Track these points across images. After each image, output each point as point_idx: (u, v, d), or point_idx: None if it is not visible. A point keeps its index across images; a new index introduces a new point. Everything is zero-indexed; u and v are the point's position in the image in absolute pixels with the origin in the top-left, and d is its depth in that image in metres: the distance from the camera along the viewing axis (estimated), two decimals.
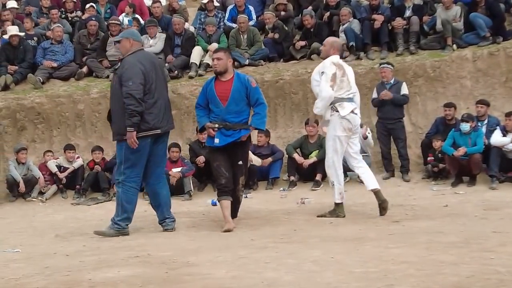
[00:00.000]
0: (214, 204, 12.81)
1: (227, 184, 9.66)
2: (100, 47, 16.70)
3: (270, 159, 14.55)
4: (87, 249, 8.58)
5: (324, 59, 10.44)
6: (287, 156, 14.69)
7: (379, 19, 16.13)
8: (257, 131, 14.21)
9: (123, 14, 18.10)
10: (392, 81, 14.65)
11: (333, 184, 10.59)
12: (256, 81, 10.46)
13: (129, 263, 7.34)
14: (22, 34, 16.59)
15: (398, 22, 16.21)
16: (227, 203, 9.61)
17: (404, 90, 14.82)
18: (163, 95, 9.73)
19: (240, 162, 10.12)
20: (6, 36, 15.96)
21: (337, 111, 10.03)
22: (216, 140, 9.59)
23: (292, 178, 14.39)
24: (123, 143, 9.40)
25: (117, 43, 11.65)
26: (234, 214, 10.00)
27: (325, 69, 10.05)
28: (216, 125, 9.63)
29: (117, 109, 9.54)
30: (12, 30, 15.98)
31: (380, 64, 15.24)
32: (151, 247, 8.27)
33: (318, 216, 10.78)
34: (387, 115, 14.90)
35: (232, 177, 9.83)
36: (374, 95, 14.93)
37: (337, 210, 10.53)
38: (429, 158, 14.49)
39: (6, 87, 16.10)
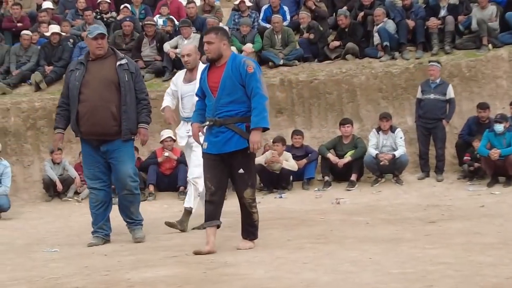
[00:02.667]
0: None
1: (215, 202, 8.03)
2: (135, 48, 16.81)
3: (304, 160, 14.38)
4: (124, 249, 8.68)
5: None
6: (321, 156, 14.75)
7: (410, 24, 16.07)
8: (292, 132, 14.54)
9: (158, 15, 18.20)
10: (438, 81, 14.58)
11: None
12: (256, 66, 8.09)
13: (167, 263, 7.34)
14: (63, 33, 16.72)
15: (433, 22, 16.20)
16: (210, 230, 7.90)
17: (451, 93, 14.80)
18: None
19: (241, 171, 8.14)
20: (47, 34, 16.12)
21: None
22: (204, 145, 8.05)
23: (326, 178, 14.29)
24: (131, 142, 9.42)
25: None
26: (246, 233, 8.12)
27: None
28: (207, 123, 8.11)
29: (131, 105, 9.33)
30: (54, 28, 16.17)
31: (429, 62, 15.19)
32: (187, 247, 8.19)
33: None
34: (428, 114, 14.86)
35: (223, 192, 8.30)
36: (419, 95, 14.78)
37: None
38: (465, 158, 14.39)
39: (37, 86, 16.18)
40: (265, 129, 8.00)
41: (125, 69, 9.46)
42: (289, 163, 14.03)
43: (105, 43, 9.45)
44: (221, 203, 7.96)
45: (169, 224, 10.30)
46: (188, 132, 9.92)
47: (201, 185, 9.89)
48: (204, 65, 9.52)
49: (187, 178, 10.68)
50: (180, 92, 10.42)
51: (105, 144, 9.34)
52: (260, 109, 7.71)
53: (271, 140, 14.31)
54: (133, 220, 9.68)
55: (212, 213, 7.87)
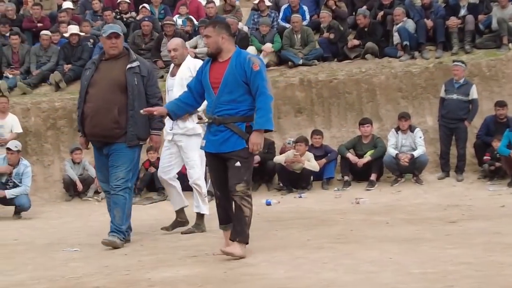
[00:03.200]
0: (268, 204, 12.84)
1: (222, 205, 7.87)
2: (154, 48, 16.90)
3: (324, 160, 14.35)
4: (144, 249, 8.69)
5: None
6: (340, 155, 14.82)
7: (429, 24, 16.10)
8: (312, 131, 14.53)
9: (177, 14, 18.34)
10: (462, 81, 14.51)
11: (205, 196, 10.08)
12: (261, 63, 7.70)
13: (187, 262, 7.35)
14: (83, 33, 16.90)
15: (453, 21, 16.14)
16: (226, 233, 7.79)
17: (474, 94, 14.72)
18: None
19: (238, 164, 7.75)
20: (66, 35, 16.30)
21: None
22: (202, 143, 7.82)
23: (346, 178, 14.30)
24: (136, 148, 9.19)
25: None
26: (233, 233, 7.55)
27: None
28: (206, 120, 7.91)
29: (138, 110, 8.81)
30: (73, 29, 16.29)
31: (453, 62, 15.16)
32: (207, 247, 8.18)
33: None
34: (450, 115, 14.83)
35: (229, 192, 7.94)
36: (442, 93, 14.76)
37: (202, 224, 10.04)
38: (485, 158, 14.25)
39: (57, 86, 16.36)
40: (267, 131, 7.78)
41: (135, 72, 9.24)
42: (311, 163, 14.02)
43: (119, 42, 9.22)
44: (230, 205, 7.65)
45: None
46: (171, 130, 9.83)
47: (203, 186, 9.99)
48: (192, 59, 10.01)
49: (189, 183, 10.31)
50: (166, 86, 10.34)
51: (107, 146, 9.26)
52: (265, 110, 7.42)
53: (291, 140, 14.21)
54: (112, 224, 9.26)
55: (223, 217, 7.76)
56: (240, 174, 7.45)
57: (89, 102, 9.09)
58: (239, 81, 7.29)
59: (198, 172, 9.84)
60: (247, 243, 7.36)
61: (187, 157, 9.99)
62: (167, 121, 9.59)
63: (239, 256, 7.26)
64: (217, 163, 7.59)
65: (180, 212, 9.73)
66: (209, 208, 9.49)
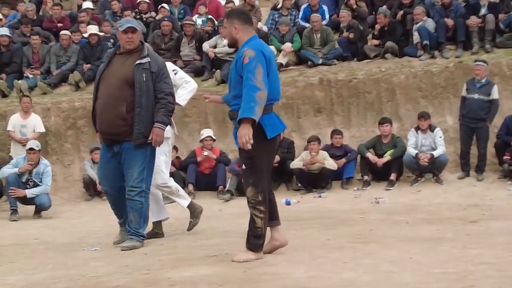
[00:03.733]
0: (288, 203, 12.82)
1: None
2: (174, 48, 17.02)
3: (343, 160, 14.38)
4: (164, 248, 8.59)
5: None
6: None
7: (449, 23, 15.99)
8: (332, 131, 14.52)
9: (196, 14, 18.43)
10: (483, 81, 14.41)
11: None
12: (255, 56, 7.16)
13: (207, 262, 7.29)
14: (102, 33, 17.06)
15: (473, 20, 16.06)
16: (273, 229, 7.57)
17: (495, 94, 14.63)
18: None
19: (243, 167, 7.61)
20: (85, 35, 16.47)
21: None
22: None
23: (365, 177, 14.35)
24: (148, 147, 8.80)
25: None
26: (247, 241, 7.37)
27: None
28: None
29: (148, 107, 8.78)
30: (92, 29, 16.47)
31: (475, 61, 15.09)
32: (226, 246, 8.16)
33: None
34: (471, 114, 14.68)
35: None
36: (464, 92, 14.62)
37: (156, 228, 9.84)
38: (505, 157, 14.12)
39: (77, 86, 16.44)
40: (248, 121, 6.99)
41: (145, 68, 8.78)
42: (329, 162, 13.94)
43: (136, 37, 8.86)
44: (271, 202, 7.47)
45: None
46: None
47: (172, 185, 9.97)
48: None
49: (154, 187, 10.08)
50: None
51: (118, 144, 8.92)
52: (246, 100, 6.97)
53: (306, 140, 14.28)
54: (129, 228, 9.11)
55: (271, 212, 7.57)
56: (246, 177, 7.28)
57: (99, 98, 8.96)
58: (237, 76, 7.09)
59: (163, 177, 9.69)
60: (258, 252, 7.11)
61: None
62: None
63: (245, 259, 7.04)
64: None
65: (157, 224, 9.50)
66: (187, 199, 9.56)
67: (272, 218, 7.48)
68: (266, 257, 7.41)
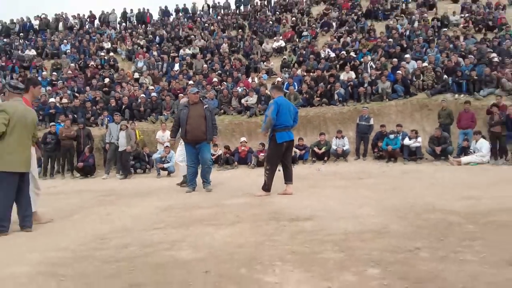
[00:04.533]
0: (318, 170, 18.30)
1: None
2: (228, 101, 26.94)
3: (304, 151, 22.56)
4: (219, 190, 13.49)
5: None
6: None
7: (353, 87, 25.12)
8: (298, 138, 22.17)
9: (239, 88, 27.80)
10: (366, 116, 20.84)
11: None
12: (272, 102, 12.10)
13: (243, 195, 12.33)
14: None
15: (360, 89, 24.95)
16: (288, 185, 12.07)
17: (371, 121, 21.18)
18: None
19: (266, 154, 12.97)
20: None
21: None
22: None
23: (313, 159, 22.28)
24: (210, 144, 13.71)
25: None
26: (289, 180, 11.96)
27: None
28: None
29: (209, 128, 13.49)
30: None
31: (363, 107, 22.87)
32: (251, 189, 12.91)
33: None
34: (361, 130, 21.72)
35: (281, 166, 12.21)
36: (357, 121, 21.69)
37: None
38: (375, 150, 20.22)
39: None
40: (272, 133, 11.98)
41: (208, 110, 13.08)
42: (296, 151, 21.05)
43: (198, 96, 13.13)
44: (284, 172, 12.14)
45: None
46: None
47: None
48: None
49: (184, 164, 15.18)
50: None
51: (198, 144, 13.15)
52: (264, 121, 11.74)
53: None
54: (206, 180, 13.47)
55: (286, 176, 12.23)
56: (266, 158, 12.34)
57: (189, 124, 12.99)
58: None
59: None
60: (266, 192, 11.87)
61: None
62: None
63: (259, 195, 11.68)
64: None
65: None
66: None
67: (287, 179, 12.01)
68: (274, 195, 11.76)
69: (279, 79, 27.79)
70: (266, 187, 11.79)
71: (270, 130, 11.72)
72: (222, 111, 27.04)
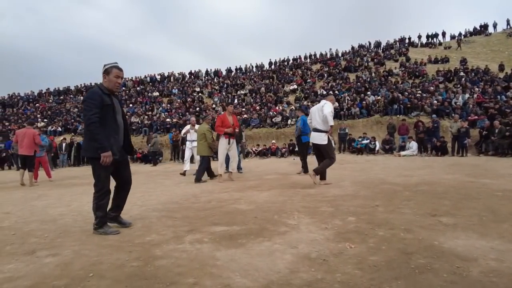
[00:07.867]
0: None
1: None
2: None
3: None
4: (235, 182, 15.17)
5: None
6: None
7: None
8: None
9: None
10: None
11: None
12: (299, 119, 14.34)
13: (272, 177, 14.77)
14: None
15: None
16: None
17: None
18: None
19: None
20: None
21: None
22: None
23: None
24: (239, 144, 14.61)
25: None
26: (317, 171, 12.45)
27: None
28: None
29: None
30: None
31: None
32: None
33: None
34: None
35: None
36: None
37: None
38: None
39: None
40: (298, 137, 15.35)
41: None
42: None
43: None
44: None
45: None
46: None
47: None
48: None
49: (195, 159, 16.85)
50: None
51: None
52: (296, 129, 14.60)
53: None
54: (239, 168, 15.91)
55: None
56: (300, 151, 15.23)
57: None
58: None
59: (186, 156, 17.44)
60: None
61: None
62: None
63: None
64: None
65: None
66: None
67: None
68: (292, 175, 15.75)
69: (292, 107, 42.66)
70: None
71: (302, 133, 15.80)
72: (261, 125, 41.57)
